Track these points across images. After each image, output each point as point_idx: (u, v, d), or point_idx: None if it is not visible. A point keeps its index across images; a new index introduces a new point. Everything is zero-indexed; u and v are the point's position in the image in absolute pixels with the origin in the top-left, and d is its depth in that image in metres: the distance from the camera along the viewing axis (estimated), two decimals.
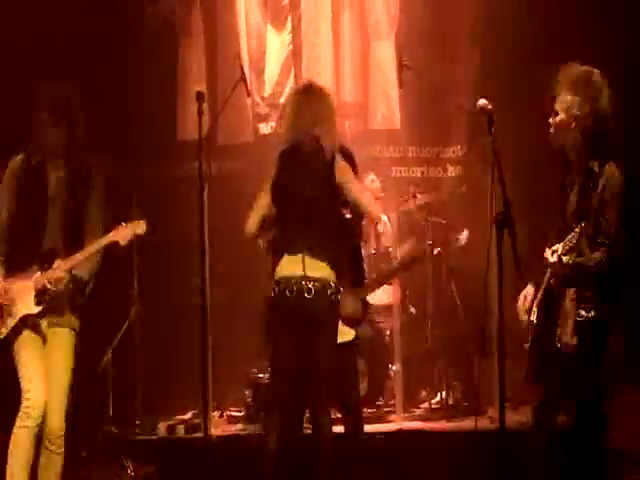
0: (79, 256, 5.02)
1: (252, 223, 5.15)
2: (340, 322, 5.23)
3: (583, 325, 4.54)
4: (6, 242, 5.17)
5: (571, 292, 4.55)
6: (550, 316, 4.62)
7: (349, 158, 5.31)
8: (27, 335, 5.08)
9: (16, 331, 5.06)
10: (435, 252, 7.20)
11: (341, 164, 5.12)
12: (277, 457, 4.97)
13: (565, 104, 4.64)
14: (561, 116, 4.65)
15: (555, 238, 4.63)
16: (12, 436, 5.02)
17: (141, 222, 5.09)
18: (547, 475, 4.63)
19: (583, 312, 4.55)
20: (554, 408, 4.68)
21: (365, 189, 5.72)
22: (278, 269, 5.03)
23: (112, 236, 5.02)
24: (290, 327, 5.01)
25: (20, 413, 5.03)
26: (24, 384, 5.06)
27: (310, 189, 5.06)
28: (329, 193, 5.09)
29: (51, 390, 5.06)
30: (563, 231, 4.59)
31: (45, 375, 5.06)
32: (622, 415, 5.40)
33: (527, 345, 4.68)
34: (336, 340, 5.11)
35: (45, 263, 5.06)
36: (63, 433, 5.13)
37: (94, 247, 5.04)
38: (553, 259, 4.55)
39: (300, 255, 4.99)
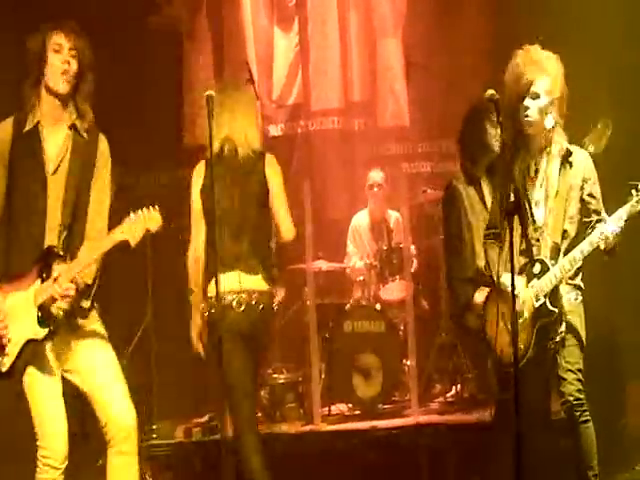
0: (84, 259, 4.13)
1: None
2: None
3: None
4: (2, 237, 4.26)
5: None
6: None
7: None
8: (35, 363, 4.20)
9: (23, 360, 4.17)
10: None
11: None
12: None
13: (548, 86, 4.63)
14: (545, 98, 4.63)
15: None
16: None
17: (153, 213, 4.15)
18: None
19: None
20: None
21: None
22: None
23: (120, 234, 4.11)
24: None
25: (39, 463, 4.22)
26: (37, 427, 4.23)
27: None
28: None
29: (101, 382, 4.29)
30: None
31: (62, 408, 4.27)
32: None
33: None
34: None
35: (45, 266, 4.16)
36: (135, 424, 4.32)
37: (99, 249, 4.15)
38: None
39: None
